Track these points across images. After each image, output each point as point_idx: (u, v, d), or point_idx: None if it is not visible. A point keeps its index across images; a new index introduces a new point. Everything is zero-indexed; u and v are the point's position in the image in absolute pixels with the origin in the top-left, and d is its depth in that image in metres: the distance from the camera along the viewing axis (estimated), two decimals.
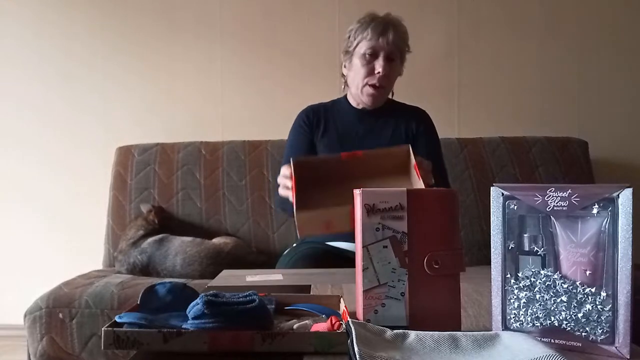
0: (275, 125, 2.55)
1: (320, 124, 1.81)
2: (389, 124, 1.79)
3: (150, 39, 2.67)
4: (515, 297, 0.80)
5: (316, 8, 2.61)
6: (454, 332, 0.77)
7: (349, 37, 1.77)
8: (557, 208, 0.76)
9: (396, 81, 1.83)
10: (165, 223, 2.24)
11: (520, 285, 0.79)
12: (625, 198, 0.71)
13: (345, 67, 1.81)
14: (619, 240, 0.72)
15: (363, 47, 1.72)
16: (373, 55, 1.71)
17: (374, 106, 1.79)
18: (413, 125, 1.79)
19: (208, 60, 2.67)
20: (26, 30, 2.69)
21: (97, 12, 2.67)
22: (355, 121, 1.80)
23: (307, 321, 0.88)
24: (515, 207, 0.80)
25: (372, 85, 1.73)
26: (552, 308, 0.77)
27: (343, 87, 1.86)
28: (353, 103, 1.83)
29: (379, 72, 1.70)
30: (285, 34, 2.64)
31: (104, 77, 2.68)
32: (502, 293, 0.81)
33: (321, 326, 0.83)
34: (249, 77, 2.66)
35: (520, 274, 0.79)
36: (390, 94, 1.84)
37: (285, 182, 1.43)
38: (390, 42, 1.70)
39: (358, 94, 1.77)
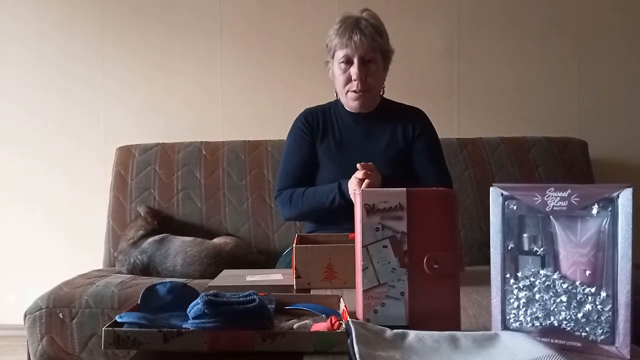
0: (276, 125, 2.55)
1: (320, 128, 1.79)
2: (387, 127, 1.77)
3: (150, 39, 2.67)
4: (514, 297, 0.80)
5: (316, 6, 2.61)
6: (454, 332, 0.77)
7: (327, 45, 1.75)
8: (557, 208, 0.76)
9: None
10: (165, 223, 2.24)
11: (520, 285, 0.79)
12: (625, 198, 0.72)
13: (330, 76, 1.80)
14: (619, 240, 0.72)
15: (338, 56, 1.71)
16: (348, 63, 1.69)
17: (365, 109, 1.77)
18: (410, 128, 1.76)
19: (208, 59, 2.67)
20: (26, 30, 2.69)
21: (97, 11, 2.67)
22: (352, 125, 1.78)
23: (307, 321, 0.88)
24: (515, 207, 0.80)
25: (354, 92, 1.71)
26: (552, 308, 0.77)
27: (336, 95, 1.83)
28: (348, 108, 1.80)
29: (355, 79, 1.68)
30: (285, 32, 2.64)
31: (104, 76, 2.68)
32: (501, 293, 0.81)
33: (321, 326, 0.83)
34: (249, 76, 2.66)
35: (519, 274, 0.79)
36: (382, 92, 1.82)
37: None
38: (359, 45, 1.66)
39: (345, 102, 1.77)
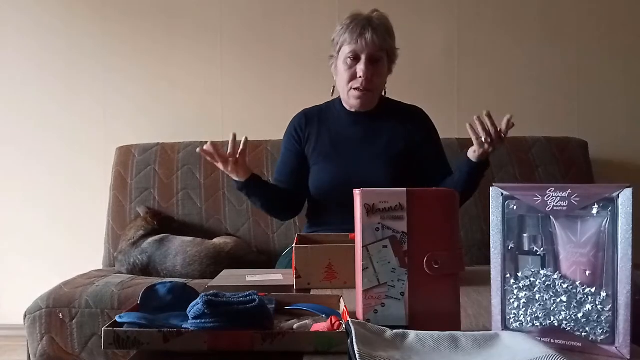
0: (275, 125, 2.54)
1: (313, 133, 1.78)
2: (386, 126, 1.76)
3: (150, 39, 2.66)
4: (515, 297, 0.80)
5: (316, 7, 2.61)
6: (454, 332, 0.77)
7: (333, 40, 1.74)
8: (557, 208, 0.76)
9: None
10: (165, 223, 2.24)
11: (520, 285, 0.79)
12: (625, 198, 0.71)
13: (332, 71, 1.78)
14: (619, 240, 0.72)
15: (345, 51, 1.69)
16: (355, 59, 1.68)
17: (365, 109, 1.76)
18: (412, 129, 1.76)
19: (208, 60, 2.66)
20: (26, 30, 2.68)
21: (98, 12, 2.67)
22: (350, 124, 1.77)
23: (307, 321, 0.88)
24: (515, 207, 0.80)
25: (357, 89, 1.69)
26: (552, 308, 0.77)
27: (332, 91, 1.81)
28: (346, 106, 1.79)
29: (360, 76, 1.67)
30: (285, 34, 2.64)
31: (104, 76, 2.68)
32: (501, 293, 0.81)
33: (321, 326, 0.83)
34: (249, 77, 2.66)
35: (519, 274, 0.79)
36: (383, 92, 1.82)
37: None
38: (370, 42, 1.65)
39: (346, 99, 1.76)
